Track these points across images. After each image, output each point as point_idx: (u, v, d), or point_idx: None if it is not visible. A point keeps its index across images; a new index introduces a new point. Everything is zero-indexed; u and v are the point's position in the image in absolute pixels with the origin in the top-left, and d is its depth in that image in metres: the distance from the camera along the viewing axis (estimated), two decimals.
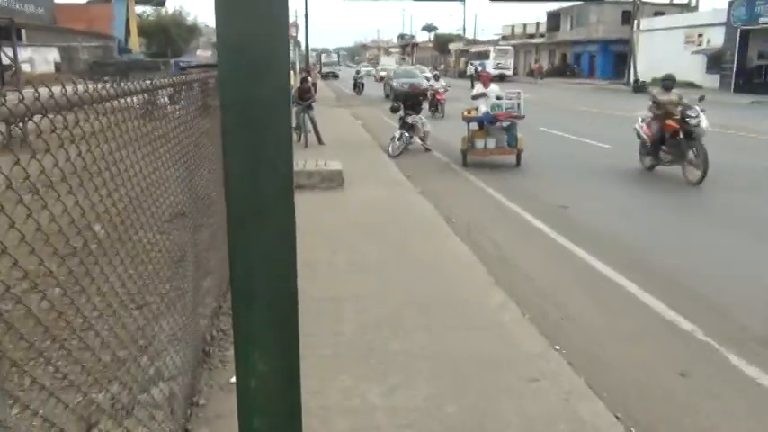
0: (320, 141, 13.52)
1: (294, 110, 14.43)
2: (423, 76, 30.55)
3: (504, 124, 11.39)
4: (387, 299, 4.84)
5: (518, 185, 9.86)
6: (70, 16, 34.22)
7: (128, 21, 40.46)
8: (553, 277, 5.71)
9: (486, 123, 11.49)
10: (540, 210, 8.10)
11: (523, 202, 8.50)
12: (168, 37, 48.05)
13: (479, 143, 11.44)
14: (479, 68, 31.27)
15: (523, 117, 11.46)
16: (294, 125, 14.40)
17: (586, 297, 5.25)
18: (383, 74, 48.91)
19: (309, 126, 13.56)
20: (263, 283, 1.39)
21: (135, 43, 41.17)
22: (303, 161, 9.41)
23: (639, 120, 10.81)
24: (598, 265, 5.98)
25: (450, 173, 11.14)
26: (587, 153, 13.08)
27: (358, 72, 39.93)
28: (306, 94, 13.69)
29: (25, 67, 33.12)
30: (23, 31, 33.30)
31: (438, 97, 20.37)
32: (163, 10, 50.50)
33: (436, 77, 23.68)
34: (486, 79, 12.44)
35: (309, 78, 16.06)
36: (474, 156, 11.48)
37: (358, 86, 35.54)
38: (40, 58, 34.02)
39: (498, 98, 11.46)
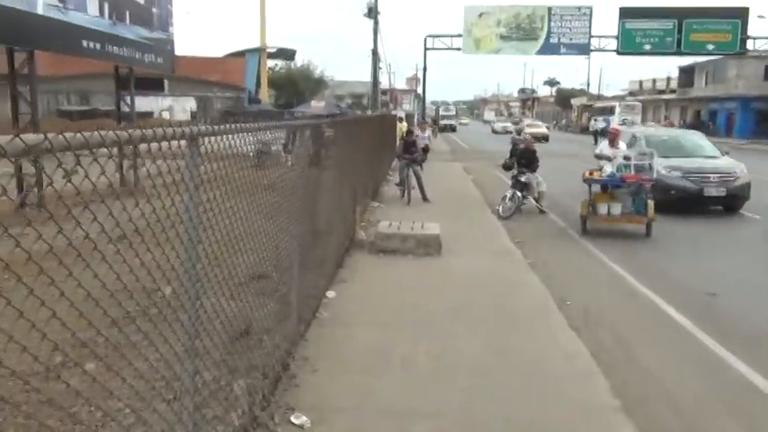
0: (424, 198, 12.67)
1: (399, 164, 13.75)
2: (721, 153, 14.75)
3: (633, 188, 9.93)
4: (472, 422, 3.71)
5: (649, 262, 8.33)
6: (208, 68, 36.92)
7: (259, 73, 42.84)
8: (701, 400, 4.30)
9: (610, 186, 10.10)
10: (680, 296, 6.61)
11: (657, 285, 7.01)
12: (297, 89, 50.27)
13: (602, 208, 10.01)
14: (605, 124, 26.42)
15: (656, 181, 9.95)
16: (398, 180, 13.68)
17: None
18: (531, 131, 27.99)
19: (414, 182, 12.78)
20: None
21: (264, 94, 43.39)
22: (398, 222, 8.51)
23: None
24: (763, 385, 4.50)
25: (567, 241, 9.78)
26: (733, 224, 11.19)
27: (519, 132, 20.90)
28: (411, 148, 12.98)
29: (165, 115, 36.16)
30: (166, 81, 36.43)
31: None
32: (292, 64, 53.23)
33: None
34: (616, 136, 11.07)
35: (416, 132, 15.35)
36: (596, 223, 10.07)
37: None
38: (178, 107, 37.21)
39: (627, 158, 10.04)
